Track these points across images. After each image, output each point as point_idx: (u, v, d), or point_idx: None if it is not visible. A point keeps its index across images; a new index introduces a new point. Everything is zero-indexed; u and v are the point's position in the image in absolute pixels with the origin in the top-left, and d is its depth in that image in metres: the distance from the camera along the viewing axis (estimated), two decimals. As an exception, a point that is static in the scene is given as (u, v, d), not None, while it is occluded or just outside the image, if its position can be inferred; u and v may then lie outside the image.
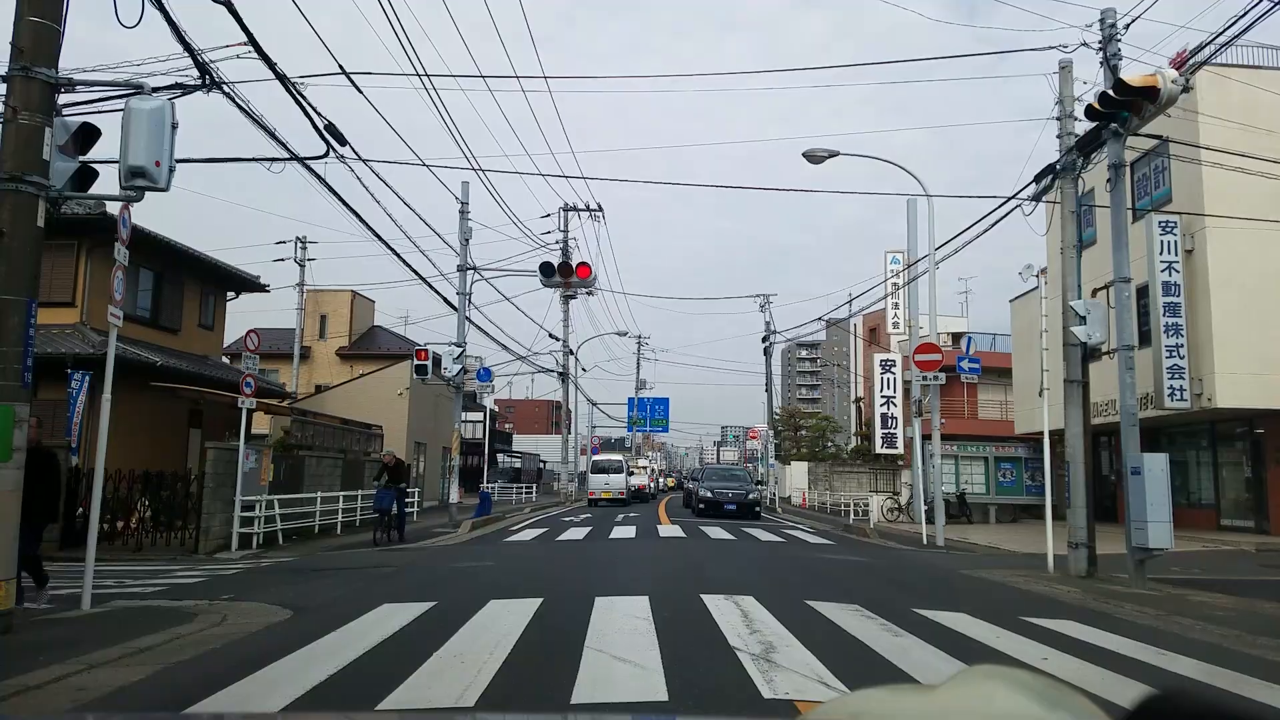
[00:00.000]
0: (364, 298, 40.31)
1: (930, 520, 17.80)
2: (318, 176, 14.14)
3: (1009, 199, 15.21)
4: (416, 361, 20.05)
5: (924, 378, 17.71)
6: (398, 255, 18.80)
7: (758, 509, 26.78)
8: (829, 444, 50.17)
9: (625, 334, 51.66)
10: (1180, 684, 5.37)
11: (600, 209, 38.87)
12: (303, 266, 37.68)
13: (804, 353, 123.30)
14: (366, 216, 32.51)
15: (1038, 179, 13.91)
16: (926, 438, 19.99)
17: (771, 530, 20.66)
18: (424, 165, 17.91)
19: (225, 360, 25.99)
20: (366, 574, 11.24)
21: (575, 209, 37.42)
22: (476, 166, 28.06)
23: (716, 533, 18.75)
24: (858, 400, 52.36)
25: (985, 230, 16.12)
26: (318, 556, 14.42)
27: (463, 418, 39.11)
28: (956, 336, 41.81)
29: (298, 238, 38.10)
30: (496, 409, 61.82)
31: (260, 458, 15.94)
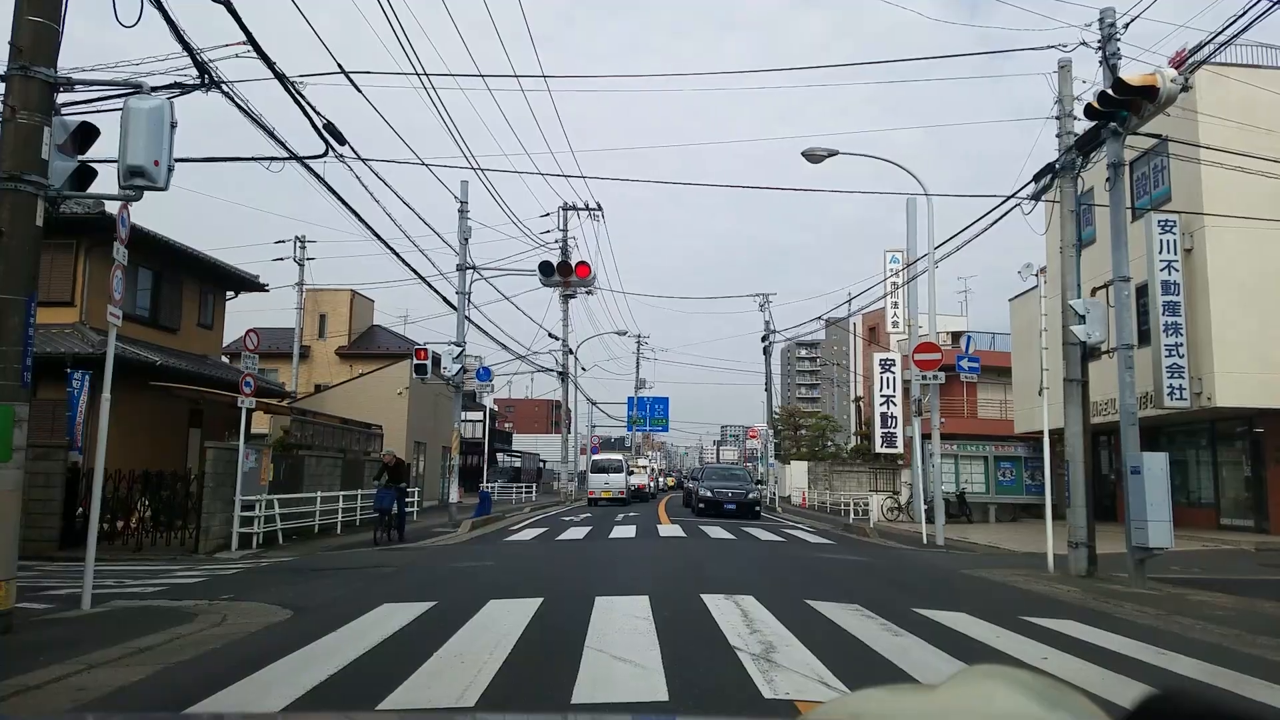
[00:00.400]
0: (363, 297, 40.30)
1: (930, 520, 17.81)
2: (317, 176, 14.13)
3: (1008, 198, 15.21)
4: (416, 361, 20.05)
5: (923, 377, 17.72)
6: (397, 255, 18.81)
7: (758, 508, 26.75)
8: (829, 443, 50.18)
9: (625, 333, 51.75)
10: (1180, 684, 5.37)
11: (600, 208, 38.88)
12: (302, 266, 37.64)
13: (803, 352, 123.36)
14: (366, 216, 32.43)
15: (1037, 178, 13.91)
16: (926, 437, 20.01)
17: (771, 530, 20.66)
18: (423, 164, 17.92)
19: (225, 360, 25.99)
20: (366, 574, 11.24)
21: (575, 208, 37.44)
22: (476, 166, 28.07)
23: (716, 532, 18.75)
24: (857, 400, 52.40)
25: (985, 229, 16.13)
26: (317, 556, 14.43)
27: (462, 417, 39.15)
28: (956, 336, 41.83)
29: (297, 237, 38.08)
30: (496, 408, 61.83)
31: (260, 457, 15.94)
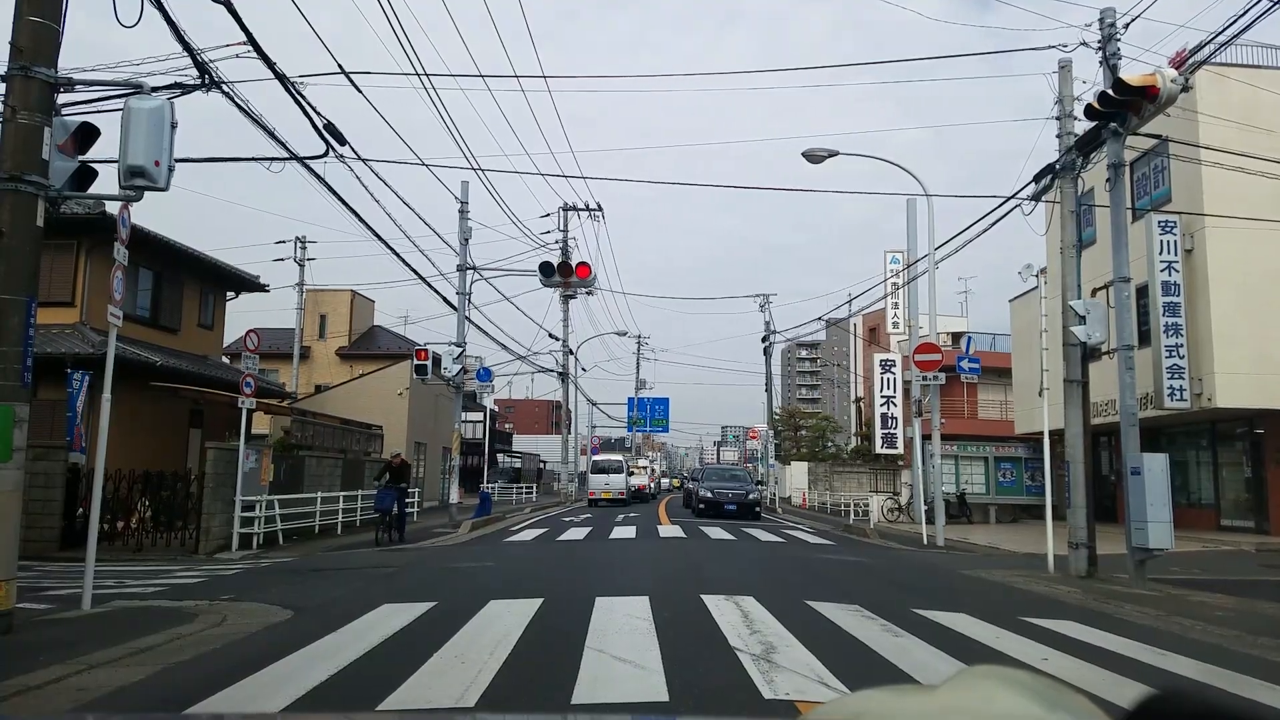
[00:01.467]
0: (364, 297, 40.33)
1: (930, 520, 17.81)
2: (317, 176, 14.14)
3: (1008, 199, 15.22)
4: (416, 361, 20.05)
5: (924, 378, 17.72)
6: (397, 255, 18.82)
7: (758, 509, 26.73)
8: (829, 444, 50.15)
9: (625, 334, 51.77)
10: (1179, 684, 5.39)
11: (600, 209, 38.87)
12: (302, 266, 37.67)
13: (804, 353, 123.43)
14: (366, 216, 32.30)
15: (1037, 178, 13.92)
16: (926, 438, 20.02)
17: (771, 530, 20.66)
18: (423, 165, 17.93)
19: (225, 360, 26.02)
20: (366, 574, 11.25)
21: (575, 209, 37.43)
22: (476, 166, 28.09)
23: (716, 533, 18.74)
24: (858, 400, 52.38)
25: (985, 230, 16.14)
26: (318, 557, 14.42)
27: (463, 418, 39.09)
28: (956, 336, 41.82)
29: (297, 238, 38.10)
30: (497, 409, 61.53)
31: (260, 458, 15.94)
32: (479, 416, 43.76)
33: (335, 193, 14.45)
